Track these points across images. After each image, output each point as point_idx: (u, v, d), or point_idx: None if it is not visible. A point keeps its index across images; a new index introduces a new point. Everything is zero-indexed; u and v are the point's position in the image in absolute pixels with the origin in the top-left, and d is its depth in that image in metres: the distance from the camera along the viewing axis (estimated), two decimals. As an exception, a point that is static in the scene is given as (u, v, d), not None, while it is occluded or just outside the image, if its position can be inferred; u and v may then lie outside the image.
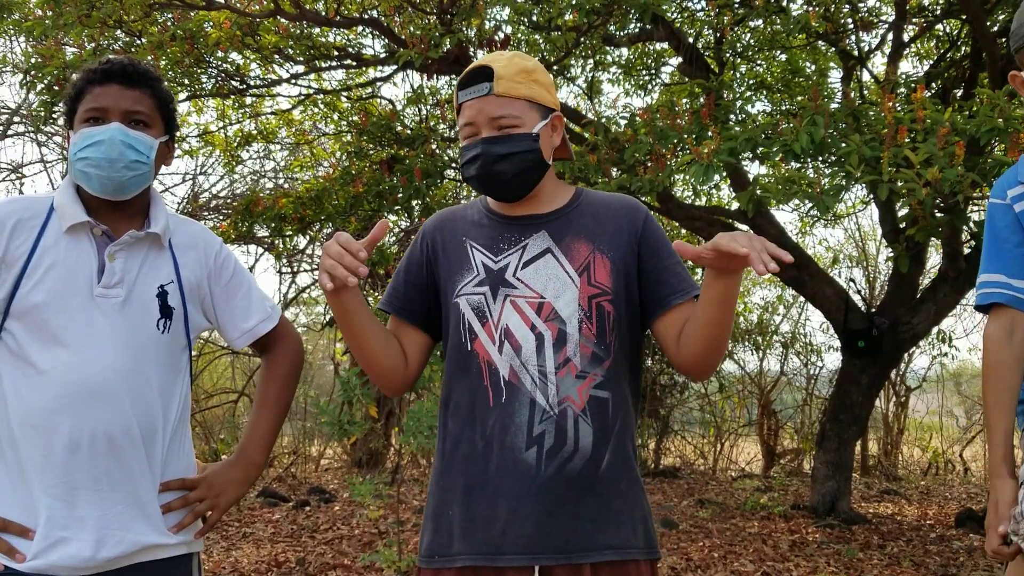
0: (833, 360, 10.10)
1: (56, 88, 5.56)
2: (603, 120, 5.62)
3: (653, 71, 7.84)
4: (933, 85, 6.46)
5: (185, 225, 1.93)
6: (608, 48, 7.13)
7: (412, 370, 1.81)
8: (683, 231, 8.76)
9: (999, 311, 1.82)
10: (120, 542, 1.70)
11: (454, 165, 6.42)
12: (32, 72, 5.71)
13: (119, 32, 5.88)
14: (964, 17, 6.00)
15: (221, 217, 8.89)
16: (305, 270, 10.13)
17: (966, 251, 5.96)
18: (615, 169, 4.94)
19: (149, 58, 5.46)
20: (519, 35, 6.62)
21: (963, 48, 6.65)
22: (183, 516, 1.81)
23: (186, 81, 6.13)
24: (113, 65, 1.78)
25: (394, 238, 9.24)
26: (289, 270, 9.86)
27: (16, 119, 8.50)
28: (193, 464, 1.88)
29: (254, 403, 2.01)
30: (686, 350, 1.67)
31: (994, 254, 1.83)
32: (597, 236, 1.75)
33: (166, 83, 1.88)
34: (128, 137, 1.75)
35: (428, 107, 7.54)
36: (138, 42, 5.91)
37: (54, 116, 5.87)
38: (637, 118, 5.11)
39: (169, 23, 5.88)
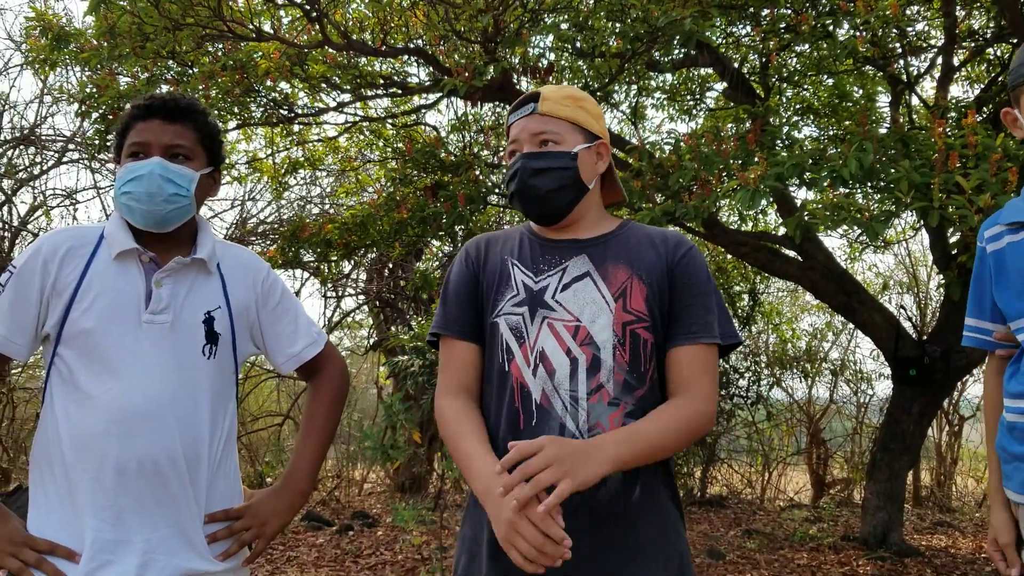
0: (884, 388, 9.89)
1: (110, 117, 5.70)
2: (647, 146, 5.58)
3: (698, 96, 7.81)
4: (984, 110, 6.34)
5: (234, 251, 1.95)
6: (652, 74, 7.11)
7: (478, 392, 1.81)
8: (728, 256, 8.68)
9: (992, 353, 1.97)
10: (165, 567, 1.71)
11: (497, 191, 6.45)
12: (87, 101, 5.86)
13: (171, 63, 6.01)
14: (1015, 41, 5.89)
15: (268, 242, 9.03)
16: (350, 294, 10.24)
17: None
18: (659, 195, 4.92)
19: (200, 88, 5.58)
20: (563, 62, 6.65)
21: (1015, 71, 6.52)
22: (229, 545, 1.82)
23: (236, 110, 6.23)
24: (155, 101, 1.81)
25: (437, 262, 9.30)
26: (334, 294, 9.97)
27: (71, 147, 8.74)
28: (239, 489, 1.89)
29: (300, 429, 2.02)
30: None
31: (974, 298, 1.97)
32: (636, 262, 1.74)
33: (215, 112, 1.92)
34: (167, 171, 1.77)
35: (472, 134, 7.59)
36: (190, 72, 6.04)
37: (108, 144, 6.01)
38: (682, 144, 5.08)
39: (220, 54, 6.00)
